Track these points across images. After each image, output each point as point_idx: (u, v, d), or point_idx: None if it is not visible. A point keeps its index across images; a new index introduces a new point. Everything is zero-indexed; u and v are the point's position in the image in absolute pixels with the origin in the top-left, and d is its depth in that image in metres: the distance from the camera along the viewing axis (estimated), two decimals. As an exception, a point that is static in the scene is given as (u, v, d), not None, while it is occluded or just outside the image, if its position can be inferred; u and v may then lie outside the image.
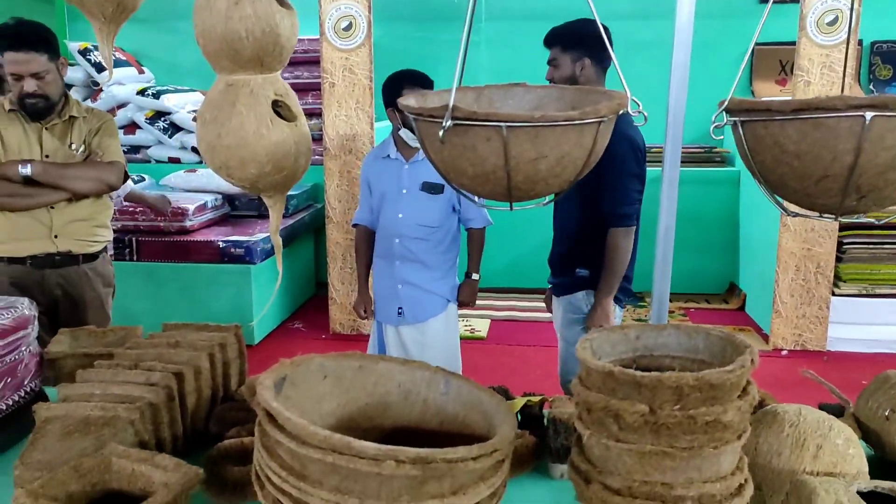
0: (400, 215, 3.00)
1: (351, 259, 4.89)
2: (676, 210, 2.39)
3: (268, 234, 4.91)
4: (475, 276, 3.02)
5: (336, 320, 5.08)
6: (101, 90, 5.93)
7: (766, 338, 4.82)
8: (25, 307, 1.42)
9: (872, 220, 4.60)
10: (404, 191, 2.99)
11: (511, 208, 1.24)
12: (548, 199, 1.25)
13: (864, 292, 4.59)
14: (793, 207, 1.24)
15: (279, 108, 1.27)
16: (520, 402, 1.51)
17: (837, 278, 4.66)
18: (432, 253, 2.99)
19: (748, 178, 5.65)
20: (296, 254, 5.46)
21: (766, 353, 4.59)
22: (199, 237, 4.79)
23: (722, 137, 1.25)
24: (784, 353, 4.65)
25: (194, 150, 5.96)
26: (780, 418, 1.21)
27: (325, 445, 0.94)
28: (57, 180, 2.55)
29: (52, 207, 2.59)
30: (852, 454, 1.17)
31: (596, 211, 2.53)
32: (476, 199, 3.09)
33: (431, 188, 2.96)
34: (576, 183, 2.48)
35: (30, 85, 2.50)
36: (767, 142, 1.12)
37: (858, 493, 1.06)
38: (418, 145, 3.01)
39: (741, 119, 1.15)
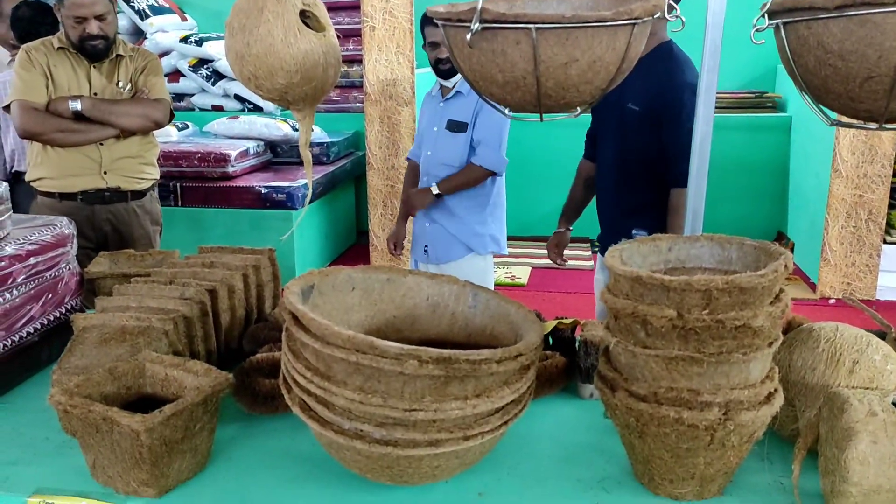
0: (429, 153, 2.98)
1: (392, 206, 4.91)
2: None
3: (308, 180, 4.99)
4: (434, 190, 2.89)
5: (376, 267, 5.13)
6: (144, 38, 5.99)
7: (813, 287, 4.71)
8: (64, 225, 1.47)
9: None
10: (435, 128, 2.96)
11: (541, 119, 1.21)
12: (579, 110, 1.22)
13: (919, 240, 4.42)
14: (841, 118, 1.18)
15: (307, 19, 1.25)
16: (551, 324, 1.51)
17: (889, 226, 4.50)
18: (455, 195, 2.94)
19: (800, 124, 5.44)
20: (337, 201, 5.50)
21: (812, 303, 4.48)
22: (241, 183, 4.85)
23: (763, 42, 1.18)
24: (831, 301, 4.53)
25: (237, 97, 6.01)
26: (816, 335, 1.18)
27: (349, 345, 0.94)
28: (106, 116, 2.62)
29: (102, 144, 2.66)
30: (890, 370, 1.13)
31: (644, 164, 2.37)
32: (501, 145, 3.00)
33: (455, 126, 2.91)
34: (638, 135, 2.34)
35: (93, 27, 2.56)
36: (811, 42, 1.06)
37: (894, 403, 1.03)
38: (448, 83, 2.98)
39: (783, 21, 1.09)
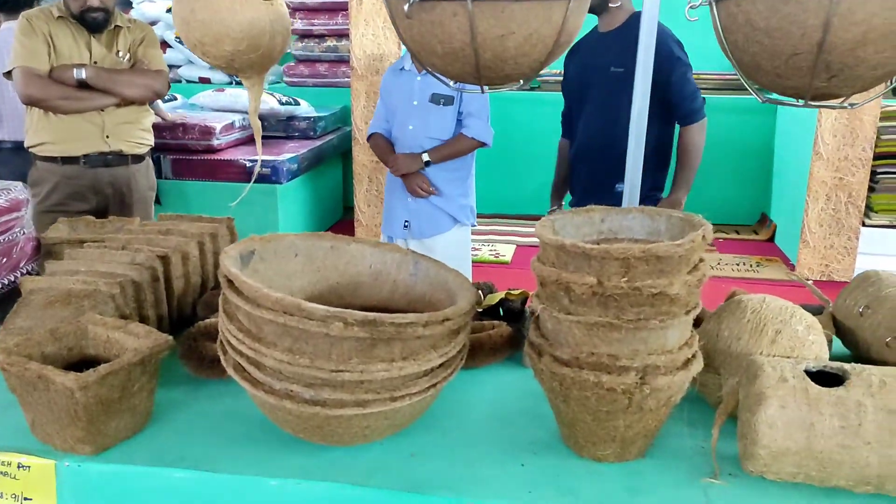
0: (410, 127, 3.00)
1: (377, 181, 4.92)
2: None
3: (295, 153, 4.99)
4: (425, 157, 2.93)
5: (360, 242, 5.15)
6: (131, 7, 5.95)
7: (792, 268, 4.75)
8: (18, 190, 1.49)
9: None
10: (415, 102, 2.98)
11: (483, 91, 1.24)
12: (521, 82, 1.24)
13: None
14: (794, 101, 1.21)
15: (254, -12, 1.27)
16: (499, 295, 1.54)
17: (869, 209, 4.53)
18: (441, 167, 2.98)
19: (784, 107, 5.44)
20: (323, 176, 5.50)
21: (790, 284, 4.53)
22: (226, 156, 4.85)
23: (696, 19, 1.21)
24: (809, 283, 4.57)
25: (223, 71, 6.00)
26: (744, 306, 1.21)
27: (278, 307, 0.98)
28: (109, 85, 2.69)
29: (103, 111, 2.72)
30: (812, 340, 1.17)
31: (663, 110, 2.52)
32: (488, 117, 3.05)
33: (441, 99, 2.93)
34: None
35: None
36: (739, 19, 1.08)
37: (807, 371, 1.06)
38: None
39: (716, -3, 1.12)
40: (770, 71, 1.10)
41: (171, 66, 6.14)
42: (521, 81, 1.24)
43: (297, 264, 1.23)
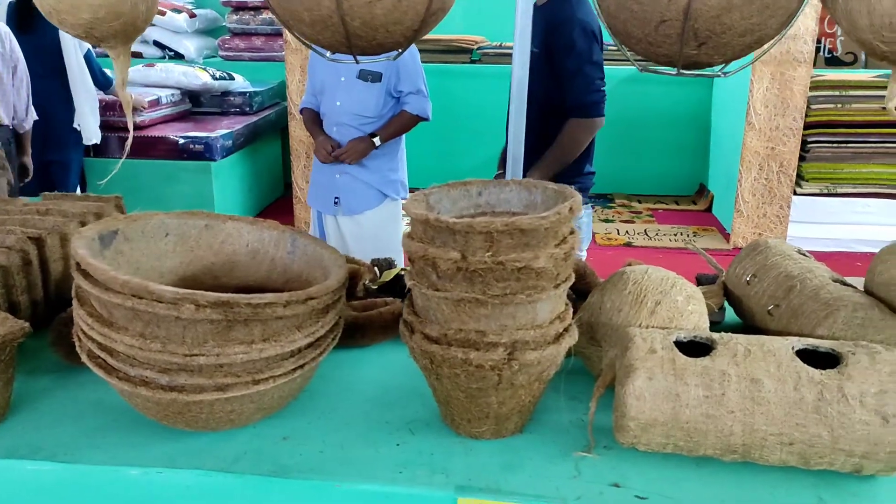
0: (338, 103, 2.93)
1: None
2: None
3: (230, 129, 4.86)
4: (375, 140, 2.88)
5: (301, 219, 5.07)
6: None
7: (727, 237, 4.84)
8: None
9: (836, 118, 4.50)
10: (342, 78, 2.91)
11: (356, 61, 1.19)
12: (395, 53, 1.20)
13: (826, 191, 4.56)
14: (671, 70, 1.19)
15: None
16: (395, 271, 1.51)
17: (800, 177, 4.63)
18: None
19: (721, 78, 5.50)
20: (260, 153, 5.38)
21: (726, 252, 4.61)
22: (156, 133, 4.71)
23: None
24: (703, 251, 4.68)
25: (157, 44, 5.79)
26: (626, 277, 1.20)
27: (126, 290, 0.93)
28: None
29: None
30: (691, 310, 1.17)
31: (551, 105, 2.43)
32: (427, 92, 2.99)
33: (369, 76, 2.87)
34: (538, 76, 2.40)
35: None
36: (610, -15, 1.06)
37: (678, 341, 1.06)
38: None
39: (590, -38, 1.09)
40: (642, 38, 1.08)
41: (100, 40, 5.93)
42: (395, 53, 1.20)
43: (168, 244, 1.18)
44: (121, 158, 1.53)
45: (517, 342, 1.00)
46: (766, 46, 1.07)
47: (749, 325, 1.36)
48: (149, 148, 4.70)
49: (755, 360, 1.00)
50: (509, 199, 1.16)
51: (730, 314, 1.47)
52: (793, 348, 1.03)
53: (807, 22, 4.35)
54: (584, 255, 2.69)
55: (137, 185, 4.70)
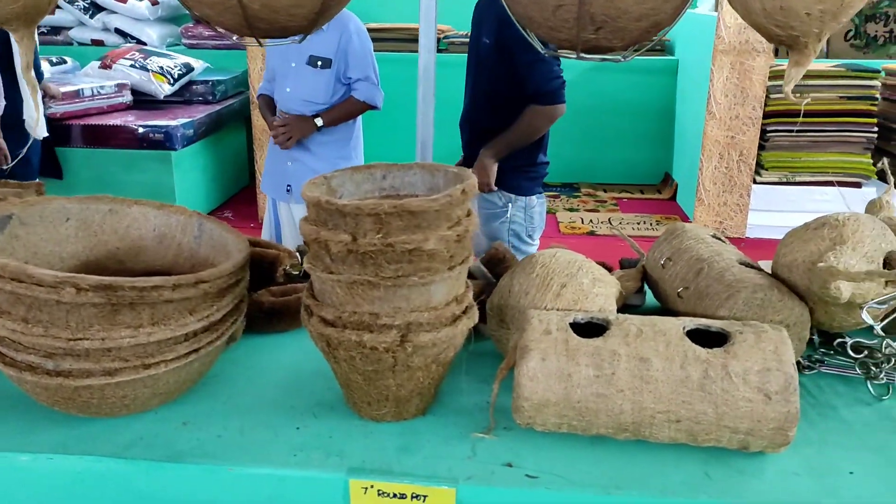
0: (287, 89, 2.91)
1: (276, 147, 4.79)
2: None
3: (191, 118, 4.81)
4: (319, 122, 2.86)
5: (264, 208, 5.03)
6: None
7: (689, 226, 4.88)
8: None
9: (794, 107, 4.53)
10: (293, 64, 2.89)
11: (260, 44, 1.18)
12: (300, 37, 1.19)
13: (785, 180, 4.61)
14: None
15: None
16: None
17: (759, 166, 4.67)
18: (320, 131, 2.92)
19: (685, 67, 5.53)
20: (224, 143, 5.33)
21: (686, 241, 4.64)
22: (116, 121, 4.65)
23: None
24: (626, 236, 4.74)
25: (118, 31, 5.71)
26: (534, 260, 1.21)
27: (5, 273, 0.92)
28: None
29: None
30: (597, 293, 1.18)
31: (501, 97, 2.43)
32: (378, 80, 2.99)
33: (318, 62, 2.86)
34: (490, 65, 2.41)
35: None
36: (508, -33, 1.06)
37: (576, 323, 1.07)
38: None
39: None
40: (542, 23, 1.08)
41: (61, 28, 5.81)
42: (299, 36, 1.19)
43: (70, 229, 1.17)
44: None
45: (411, 324, 1.00)
46: (661, 32, 1.08)
47: (664, 308, 1.37)
48: (109, 137, 4.65)
49: (646, 340, 1.01)
50: (414, 183, 1.15)
51: (650, 298, 1.48)
52: (684, 328, 1.04)
53: (765, 11, 4.38)
54: (536, 244, 2.69)
55: (97, 174, 4.65)
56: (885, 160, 1.65)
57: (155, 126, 4.62)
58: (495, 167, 2.44)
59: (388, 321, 0.99)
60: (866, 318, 1.08)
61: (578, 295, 1.16)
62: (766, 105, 4.54)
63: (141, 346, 0.97)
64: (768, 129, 4.55)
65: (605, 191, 5.67)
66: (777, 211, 4.66)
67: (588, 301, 1.17)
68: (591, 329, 1.07)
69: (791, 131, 4.52)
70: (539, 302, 1.16)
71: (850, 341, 1.19)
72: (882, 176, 4.50)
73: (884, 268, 1.18)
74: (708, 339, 1.04)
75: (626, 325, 1.04)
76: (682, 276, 1.31)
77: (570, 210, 5.24)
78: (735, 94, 4.56)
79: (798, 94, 4.55)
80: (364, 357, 1.01)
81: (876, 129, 4.40)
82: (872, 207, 1.55)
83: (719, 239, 1.41)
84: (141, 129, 4.60)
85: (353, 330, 1.00)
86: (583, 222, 4.98)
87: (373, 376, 1.04)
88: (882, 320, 1.12)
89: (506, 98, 2.38)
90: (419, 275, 0.98)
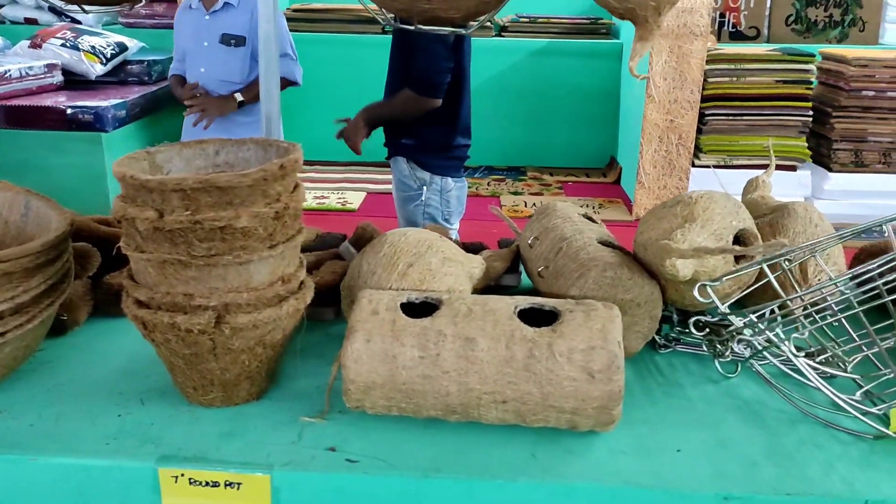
0: (202, 69, 2.84)
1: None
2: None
3: (123, 99, 4.67)
4: (238, 97, 2.79)
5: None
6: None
7: (631, 209, 4.89)
8: None
9: (732, 91, 4.56)
10: (205, 44, 2.81)
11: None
12: (126, 6, 1.13)
13: (723, 163, 4.63)
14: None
15: None
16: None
17: (698, 149, 4.69)
18: (237, 111, 2.85)
19: (629, 51, 5.54)
20: (160, 125, 5.18)
21: (627, 224, 4.67)
22: (46, 101, 4.50)
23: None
24: (505, 216, 4.77)
25: (52, 9, 5.52)
26: (384, 240, 1.17)
27: None
28: None
29: None
30: (446, 272, 1.14)
31: (402, 78, 2.41)
32: (296, 56, 2.93)
33: (231, 40, 2.79)
34: (396, 53, 2.38)
35: None
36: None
37: (410, 303, 1.04)
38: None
39: None
40: (376, -10, 1.04)
41: (-9, 5, 5.62)
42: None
43: None
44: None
45: (229, 305, 0.96)
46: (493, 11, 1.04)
47: (532, 288, 1.35)
48: (36, 118, 4.49)
49: (474, 320, 0.98)
50: (248, 159, 1.11)
51: (526, 278, 1.46)
52: (516, 308, 1.01)
53: (703, -6, 4.40)
54: (454, 227, 2.67)
55: (25, 156, 4.50)
56: (770, 140, 1.64)
57: (84, 107, 4.47)
58: (364, 130, 2.43)
59: (203, 302, 0.95)
60: (697, 295, 1.06)
61: (425, 274, 1.13)
62: (703, 89, 4.56)
63: (-68, 330, 0.91)
64: (706, 112, 4.57)
65: (551, 174, 5.66)
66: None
67: (436, 281, 1.13)
68: (427, 309, 1.03)
69: (728, 114, 4.55)
70: (385, 282, 1.13)
71: (693, 319, 1.18)
72: (816, 159, 4.56)
73: (736, 245, 1.17)
74: (544, 318, 1.02)
75: (458, 304, 1.01)
76: (544, 255, 1.28)
77: (515, 193, 5.23)
78: (674, 77, 4.57)
79: (735, 78, 4.58)
80: (180, 339, 0.96)
81: (811, 112, 4.44)
82: (749, 186, 1.55)
83: (589, 218, 1.39)
84: (70, 111, 4.45)
85: (166, 311, 0.96)
86: (525, 205, 4.96)
87: (193, 360, 0.99)
88: (723, 299, 1.11)
89: (402, 80, 2.35)
90: (234, 254, 0.94)
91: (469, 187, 5.31)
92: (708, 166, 4.64)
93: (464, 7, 1.04)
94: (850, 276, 1.06)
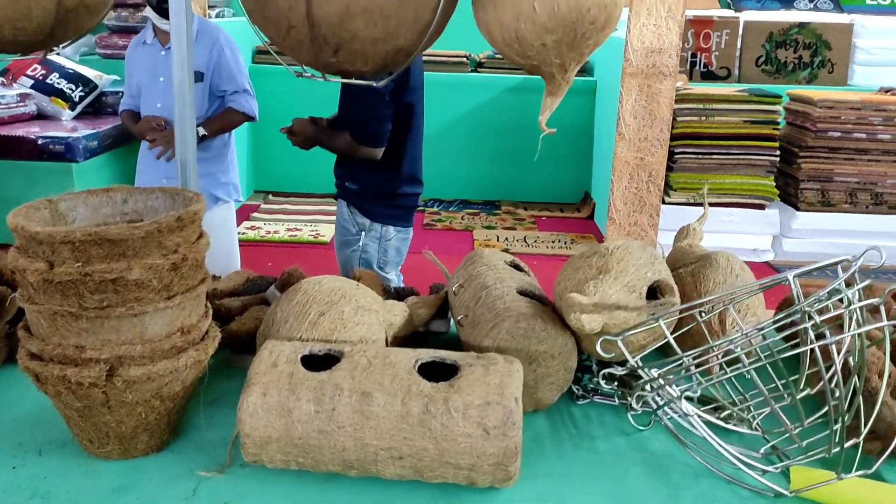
0: (158, 105, 2.84)
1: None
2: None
3: (95, 129, 4.68)
4: (201, 131, 2.79)
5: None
6: None
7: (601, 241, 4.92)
8: None
9: (700, 130, 4.61)
10: (161, 79, 2.82)
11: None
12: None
13: (692, 201, 4.68)
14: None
15: None
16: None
17: (668, 187, 4.74)
18: (199, 147, 2.85)
19: (603, 87, 5.61)
20: (133, 155, 5.10)
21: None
22: (17, 132, 4.49)
23: None
24: (436, 260, 4.80)
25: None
26: (298, 288, 1.17)
27: None
28: None
29: None
30: (358, 321, 1.14)
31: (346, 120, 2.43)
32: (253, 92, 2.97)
33: None
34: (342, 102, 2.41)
35: None
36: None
37: (312, 355, 1.03)
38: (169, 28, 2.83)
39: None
40: (280, 44, 1.05)
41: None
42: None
43: None
44: None
45: (122, 357, 0.95)
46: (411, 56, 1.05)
47: (456, 336, 1.34)
48: (7, 148, 4.49)
49: (373, 374, 0.97)
50: (156, 207, 1.10)
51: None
52: (417, 361, 1.00)
53: (671, 37, 4.47)
54: (391, 277, 2.64)
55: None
56: (706, 187, 1.66)
57: (55, 137, 4.47)
58: (307, 144, 2.47)
59: (95, 354, 0.94)
60: (599, 350, 1.05)
61: (337, 324, 1.12)
62: (673, 127, 4.62)
63: None
64: (676, 150, 4.63)
65: (525, 209, 5.69)
66: (685, 231, 4.72)
67: (347, 330, 1.12)
68: (329, 361, 1.02)
69: (698, 153, 4.61)
70: (295, 331, 1.12)
71: (603, 371, 1.17)
72: (784, 198, 4.61)
73: (651, 297, 1.17)
74: (446, 371, 1.01)
75: (359, 357, 1.00)
76: (465, 303, 1.28)
77: (488, 228, 5.24)
78: (643, 115, 4.62)
79: (703, 117, 4.65)
80: (71, 392, 0.95)
81: (778, 152, 4.50)
82: (680, 234, 1.56)
83: (516, 266, 1.39)
84: (41, 141, 4.46)
85: (56, 364, 0.94)
86: (498, 240, 4.98)
87: (87, 413, 0.98)
88: (638, 351, 1.11)
89: (344, 125, 2.38)
90: (128, 305, 0.93)
91: (443, 221, 5.35)
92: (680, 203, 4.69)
93: (371, 62, 1.04)
94: (755, 328, 1.06)
